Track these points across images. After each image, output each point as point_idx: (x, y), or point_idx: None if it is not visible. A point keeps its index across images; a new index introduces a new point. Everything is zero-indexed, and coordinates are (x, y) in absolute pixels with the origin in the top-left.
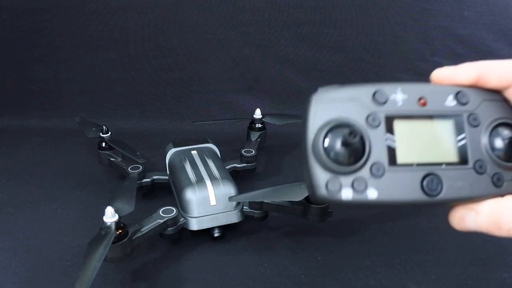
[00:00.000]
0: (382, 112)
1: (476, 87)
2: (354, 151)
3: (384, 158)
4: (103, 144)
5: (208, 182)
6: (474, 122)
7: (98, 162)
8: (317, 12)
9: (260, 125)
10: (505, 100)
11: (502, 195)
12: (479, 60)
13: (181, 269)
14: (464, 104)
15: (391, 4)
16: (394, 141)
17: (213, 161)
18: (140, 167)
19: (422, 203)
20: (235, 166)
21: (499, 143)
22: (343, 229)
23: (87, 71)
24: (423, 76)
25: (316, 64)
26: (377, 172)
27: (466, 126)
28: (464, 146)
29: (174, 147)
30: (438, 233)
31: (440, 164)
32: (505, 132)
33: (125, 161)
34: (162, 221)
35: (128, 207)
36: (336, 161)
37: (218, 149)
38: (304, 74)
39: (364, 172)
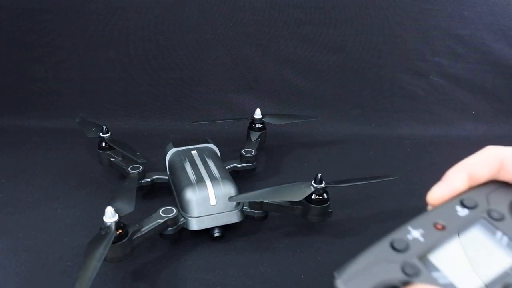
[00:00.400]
0: (412, 257)
1: (471, 189)
2: None
3: None
4: (103, 144)
5: (208, 182)
6: (497, 216)
7: (98, 162)
8: (317, 12)
9: (260, 125)
10: (503, 184)
11: None
12: (479, 60)
13: (181, 269)
14: (475, 207)
15: (391, 4)
16: (445, 276)
17: (213, 161)
18: (140, 167)
19: None
20: (235, 166)
21: None
22: (343, 229)
23: (87, 71)
24: (423, 76)
25: (316, 64)
26: None
27: (495, 223)
28: (510, 241)
29: (174, 147)
30: None
31: (506, 273)
32: None
33: (125, 161)
34: (162, 221)
35: (128, 207)
36: None
37: (218, 149)
38: (304, 74)
39: None
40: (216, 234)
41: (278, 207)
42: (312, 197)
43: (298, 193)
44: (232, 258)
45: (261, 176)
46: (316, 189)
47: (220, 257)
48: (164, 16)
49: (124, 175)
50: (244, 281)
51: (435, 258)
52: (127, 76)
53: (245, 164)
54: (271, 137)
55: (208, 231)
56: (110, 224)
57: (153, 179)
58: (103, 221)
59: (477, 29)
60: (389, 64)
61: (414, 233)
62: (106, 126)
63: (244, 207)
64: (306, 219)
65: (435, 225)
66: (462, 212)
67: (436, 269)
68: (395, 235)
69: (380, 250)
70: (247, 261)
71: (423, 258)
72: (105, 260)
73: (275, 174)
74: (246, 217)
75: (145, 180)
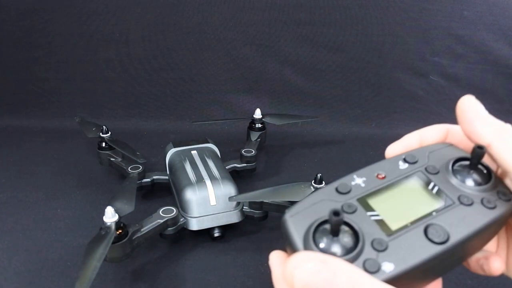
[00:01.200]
0: (352, 199)
1: (417, 148)
2: (346, 233)
3: (378, 232)
4: (103, 144)
5: (208, 182)
6: (433, 170)
7: (98, 162)
8: (317, 12)
9: (260, 125)
10: (449, 145)
11: (501, 214)
12: (479, 60)
13: (181, 269)
14: (415, 162)
15: (391, 4)
16: (378, 215)
17: (213, 161)
18: (140, 167)
19: (440, 254)
20: (235, 166)
21: (465, 174)
22: None
23: (87, 71)
24: (423, 76)
25: (316, 64)
26: (380, 247)
27: (430, 176)
28: (439, 190)
29: (174, 147)
30: None
31: (430, 214)
32: (463, 163)
33: (125, 161)
34: (162, 221)
35: (128, 207)
36: (336, 253)
37: (218, 149)
38: (304, 74)
39: (368, 252)
40: (216, 234)
41: (278, 207)
42: None
43: (298, 193)
44: (232, 258)
45: (261, 176)
46: (316, 189)
47: (220, 257)
48: (164, 16)
49: (124, 175)
50: (244, 281)
51: (372, 201)
52: (127, 76)
53: (245, 164)
54: (271, 137)
55: (208, 231)
56: (110, 224)
57: (153, 179)
58: (103, 221)
59: (477, 29)
60: (389, 64)
61: (358, 180)
62: (106, 126)
63: (244, 207)
64: None
65: (377, 175)
66: (403, 166)
67: (371, 209)
68: (341, 181)
69: (325, 193)
70: (247, 261)
71: (361, 200)
72: (105, 260)
73: (275, 174)
74: (246, 217)
75: (145, 180)
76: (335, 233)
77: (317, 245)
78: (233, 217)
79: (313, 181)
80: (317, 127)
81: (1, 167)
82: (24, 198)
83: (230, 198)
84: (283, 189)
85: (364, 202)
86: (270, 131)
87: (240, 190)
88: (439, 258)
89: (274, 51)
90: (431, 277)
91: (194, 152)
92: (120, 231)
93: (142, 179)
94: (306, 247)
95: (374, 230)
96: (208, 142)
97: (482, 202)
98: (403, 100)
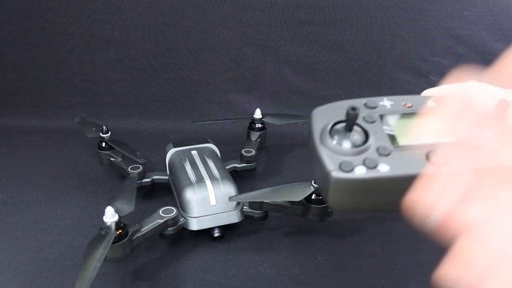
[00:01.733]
0: (375, 113)
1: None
2: (359, 133)
3: (387, 142)
4: (103, 144)
5: (208, 182)
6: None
7: (98, 162)
8: (317, 12)
9: (260, 125)
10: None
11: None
12: (479, 60)
13: (181, 269)
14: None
15: (391, 4)
16: (392, 130)
17: (213, 161)
18: (140, 167)
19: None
20: (235, 166)
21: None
22: (343, 229)
23: (87, 71)
24: (423, 76)
25: (316, 64)
26: (384, 152)
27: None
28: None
29: (174, 147)
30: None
31: (437, 144)
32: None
33: (125, 161)
34: (162, 221)
35: (128, 207)
36: (345, 144)
37: (218, 149)
38: (304, 74)
39: (372, 153)
40: (216, 234)
41: (278, 207)
42: (312, 197)
43: (298, 193)
44: (232, 258)
45: (261, 176)
46: (316, 189)
47: (220, 257)
48: (164, 16)
49: (124, 175)
50: (244, 281)
51: (391, 119)
52: (127, 76)
53: (245, 164)
54: (271, 137)
55: (208, 231)
56: (110, 224)
57: (153, 179)
58: (103, 221)
59: (477, 29)
60: (389, 64)
61: (386, 102)
62: (106, 126)
63: (244, 207)
64: (306, 219)
65: (404, 104)
66: (431, 104)
67: (388, 125)
68: (371, 98)
69: (356, 102)
70: (247, 261)
71: (382, 116)
72: (105, 260)
73: (275, 174)
74: (246, 217)
75: (145, 180)
76: (349, 128)
77: (332, 137)
78: (233, 217)
79: (313, 181)
80: None
81: (1, 167)
82: (24, 198)
83: (230, 198)
84: (283, 189)
85: (384, 118)
86: (270, 131)
87: (240, 190)
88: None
89: (274, 51)
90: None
91: (194, 152)
92: (120, 231)
93: (142, 179)
94: (322, 139)
95: (383, 140)
96: (208, 142)
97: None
98: None
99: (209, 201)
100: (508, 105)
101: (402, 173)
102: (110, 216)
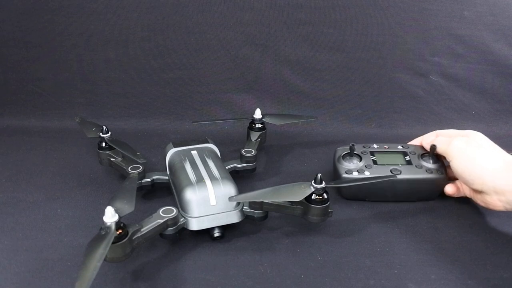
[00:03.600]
0: (367, 150)
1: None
2: (356, 157)
3: (371, 162)
4: (103, 144)
5: (208, 182)
6: (411, 153)
7: (98, 162)
8: (317, 12)
9: (260, 125)
10: (433, 155)
11: (429, 176)
12: (479, 60)
13: (181, 269)
14: (406, 148)
15: (391, 4)
16: (375, 158)
17: (213, 161)
18: (140, 167)
19: (390, 179)
20: (235, 166)
21: (424, 158)
22: (343, 229)
23: (86, 71)
24: (423, 76)
25: (316, 64)
26: (369, 167)
27: (409, 154)
28: (409, 160)
29: (174, 147)
30: (438, 233)
31: (397, 164)
32: (425, 155)
33: (125, 161)
34: (162, 221)
35: (128, 207)
36: (350, 164)
37: (218, 149)
38: (304, 74)
39: (362, 167)
40: (216, 234)
41: (278, 207)
42: (312, 197)
43: (298, 193)
44: (232, 258)
45: (261, 176)
46: (316, 189)
47: (220, 257)
48: (164, 16)
49: (124, 175)
50: (244, 281)
51: (375, 153)
52: (127, 76)
53: (245, 164)
54: (271, 137)
55: (208, 231)
56: (110, 224)
57: (153, 179)
58: (103, 221)
59: (477, 29)
60: (389, 64)
61: (375, 145)
62: (106, 126)
63: (244, 207)
64: (306, 219)
65: (384, 146)
66: (400, 147)
67: (373, 155)
68: (367, 144)
69: (356, 145)
70: (247, 261)
71: (372, 152)
72: (105, 260)
73: (275, 174)
74: (246, 217)
75: (145, 180)
76: (350, 155)
77: (344, 160)
78: (233, 217)
79: (313, 181)
80: (317, 127)
81: (1, 167)
82: (24, 198)
83: (230, 198)
84: (283, 189)
85: (372, 153)
86: (270, 131)
87: (240, 190)
88: (390, 182)
89: (274, 51)
90: (379, 194)
91: (194, 152)
92: (120, 231)
93: (142, 179)
94: (338, 161)
95: (369, 161)
96: (208, 142)
97: (418, 166)
98: (403, 100)
99: (209, 201)
100: (435, 147)
101: (376, 176)
102: (110, 216)
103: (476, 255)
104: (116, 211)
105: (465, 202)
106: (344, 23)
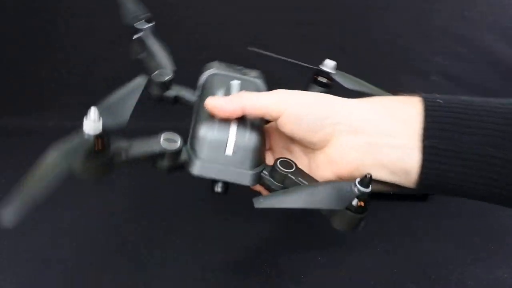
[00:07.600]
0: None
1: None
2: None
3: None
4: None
5: (233, 126)
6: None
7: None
8: (317, 12)
9: (325, 80)
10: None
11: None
12: (479, 60)
13: (180, 268)
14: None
15: (391, 4)
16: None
17: None
18: (169, 74)
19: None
20: None
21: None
22: None
23: (87, 71)
24: (423, 76)
25: (316, 64)
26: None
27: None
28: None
29: (216, 69)
30: (438, 233)
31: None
32: None
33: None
34: (158, 150)
35: (119, 118)
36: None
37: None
38: (304, 74)
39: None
40: (218, 189)
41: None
42: (353, 203)
43: (340, 199)
44: (232, 257)
45: None
46: (362, 193)
47: (220, 257)
48: (164, 16)
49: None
50: (244, 281)
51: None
52: (127, 76)
53: None
54: None
55: (210, 182)
56: (88, 135)
57: (177, 96)
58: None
59: (477, 29)
60: (389, 64)
61: None
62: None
63: (264, 172)
64: (330, 221)
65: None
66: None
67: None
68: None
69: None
70: (248, 260)
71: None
72: (74, 174)
73: None
74: (261, 185)
75: (168, 92)
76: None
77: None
78: (245, 178)
79: (357, 181)
80: None
81: (1, 167)
82: None
83: (255, 200)
84: (321, 192)
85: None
86: None
87: None
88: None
89: (274, 51)
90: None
91: (235, 83)
92: (100, 143)
93: (166, 89)
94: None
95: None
96: (259, 78)
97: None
98: None
99: (225, 149)
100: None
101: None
102: (92, 120)
103: (476, 255)
104: (101, 116)
105: (465, 202)
106: (344, 23)
